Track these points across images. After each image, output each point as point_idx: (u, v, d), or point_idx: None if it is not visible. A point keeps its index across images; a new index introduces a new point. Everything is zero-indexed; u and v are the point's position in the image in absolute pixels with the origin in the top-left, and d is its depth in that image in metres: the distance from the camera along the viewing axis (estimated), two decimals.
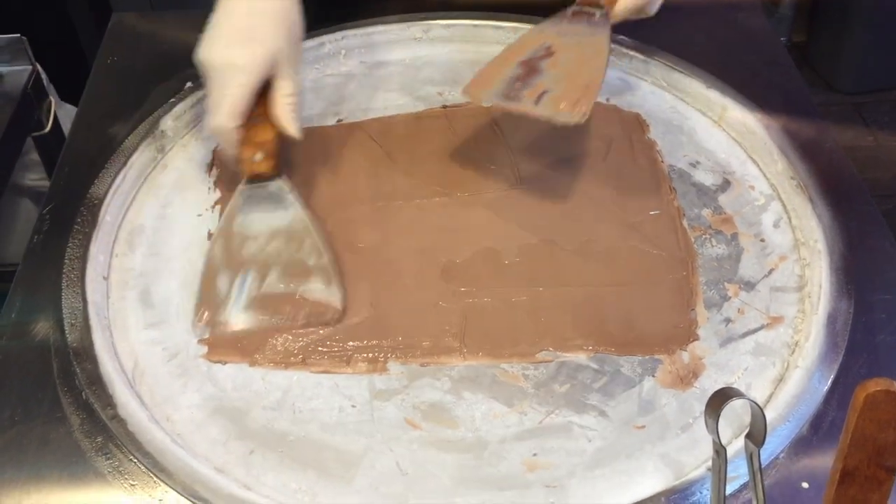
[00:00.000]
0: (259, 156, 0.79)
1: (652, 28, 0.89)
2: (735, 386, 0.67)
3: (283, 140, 0.80)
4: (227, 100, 0.77)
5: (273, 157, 0.79)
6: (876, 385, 0.45)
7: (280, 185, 0.79)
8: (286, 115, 0.79)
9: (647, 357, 0.73)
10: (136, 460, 0.65)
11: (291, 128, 0.80)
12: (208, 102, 0.80)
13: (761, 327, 0.75)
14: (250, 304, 0.75)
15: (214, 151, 0.90)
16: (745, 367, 0.72)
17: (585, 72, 0.80)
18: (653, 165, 0.88)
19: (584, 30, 0.84)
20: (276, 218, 0.78)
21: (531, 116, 0.78)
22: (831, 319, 0.73)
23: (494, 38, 1.02)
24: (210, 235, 0.82)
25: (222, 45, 0.79)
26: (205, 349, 0.73)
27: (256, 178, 0.79)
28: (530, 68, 0.81)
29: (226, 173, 0.87)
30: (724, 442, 0.56)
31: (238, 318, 0.75)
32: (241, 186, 0.79)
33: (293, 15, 0.81)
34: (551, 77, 0.80)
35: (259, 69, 0.78)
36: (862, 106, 2.24)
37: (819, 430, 0.68)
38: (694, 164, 0.89)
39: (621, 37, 0.96)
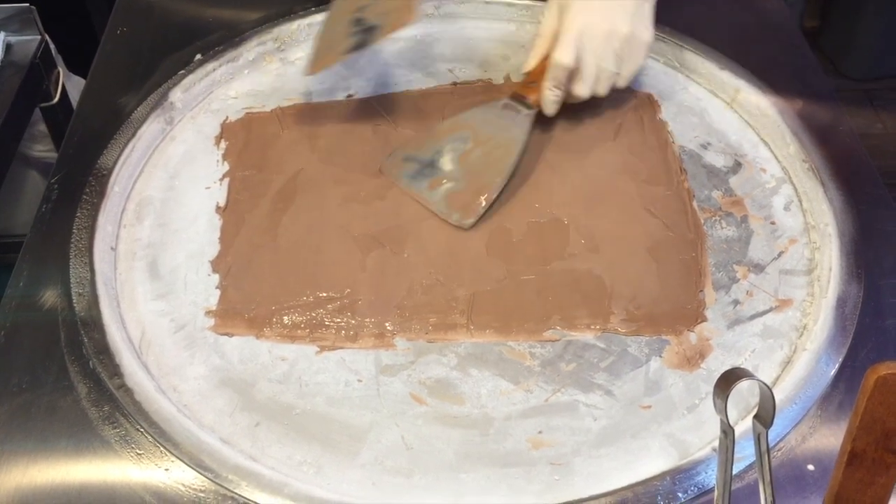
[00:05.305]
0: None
1: (667, 9, 0.88)
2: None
3: None
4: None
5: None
6: (887, 368, 0.45)
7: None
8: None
9: (654, 337, 0.73)
10: (142, 430, 0.65)
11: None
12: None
13: (770, 310, 0.75)
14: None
15: (223, 124, 0.89)
16: (752, 349, 0.72)
17: (486, 176, 0.82)
18: (664, 146, 0.87)
19: (506, 125, 0.86)
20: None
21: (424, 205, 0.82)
22: (840, 303, 0.73)
23: (506, 15, 1.01)
24: (218, 208, 0.82)
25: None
26: (212, 321, 0.73)
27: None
28: (447, 155, 0.85)
29: (234, 146, 0.87)
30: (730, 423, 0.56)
31: None
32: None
33: None
34: (458, 171, 0.83)
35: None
36: (872, 92, 2.22)
37: (826, 412, 0.67)
38: (705, 146, 0.88)
39: None
